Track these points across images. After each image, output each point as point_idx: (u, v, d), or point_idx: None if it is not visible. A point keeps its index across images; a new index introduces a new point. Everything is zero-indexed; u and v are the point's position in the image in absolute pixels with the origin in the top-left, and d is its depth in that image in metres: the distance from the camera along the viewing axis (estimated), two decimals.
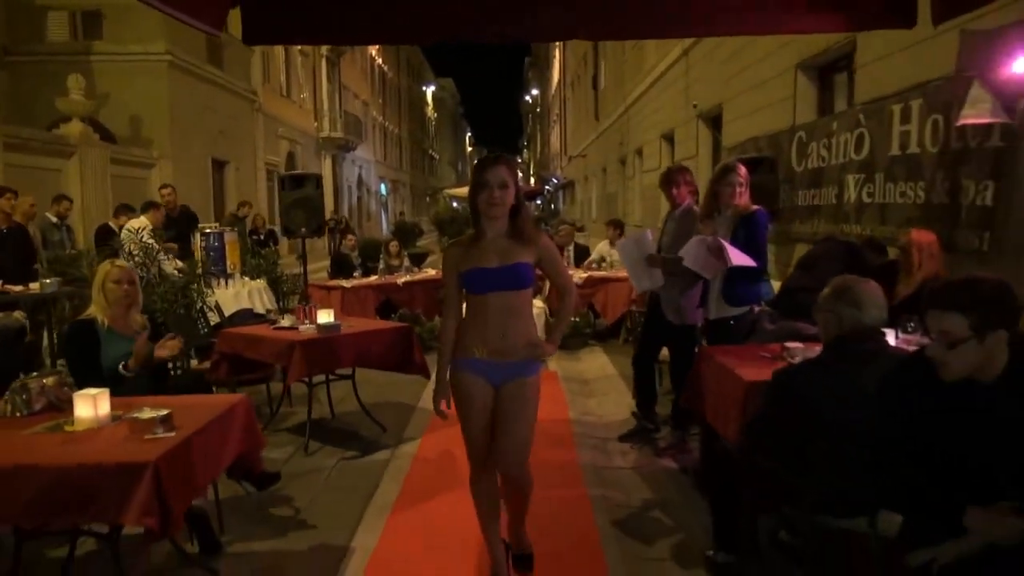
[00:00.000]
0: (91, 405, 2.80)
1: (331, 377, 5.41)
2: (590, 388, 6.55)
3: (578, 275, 8.49)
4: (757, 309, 4.18)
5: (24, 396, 3.01)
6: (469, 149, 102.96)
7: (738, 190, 4.19)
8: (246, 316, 6.38)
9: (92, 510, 2.46)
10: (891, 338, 3.16)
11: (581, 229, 21.12)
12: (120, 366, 3.50)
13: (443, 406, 2.93)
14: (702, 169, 11.06)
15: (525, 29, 4.79)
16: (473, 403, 2.88)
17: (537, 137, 68.85)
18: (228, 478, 3.62)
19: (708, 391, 3.67)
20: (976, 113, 4.18)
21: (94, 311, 3.64)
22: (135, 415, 2.78)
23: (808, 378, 2.46)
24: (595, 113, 24.26)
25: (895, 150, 5.31)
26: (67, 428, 2.80)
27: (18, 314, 5.18)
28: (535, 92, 61.86)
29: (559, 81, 40.49)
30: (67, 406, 3.04)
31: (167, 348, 3.64)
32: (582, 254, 9.65)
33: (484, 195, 2.77)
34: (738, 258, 3.93)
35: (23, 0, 18.17)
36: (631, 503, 3.99)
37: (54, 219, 7.62)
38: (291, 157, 28.15)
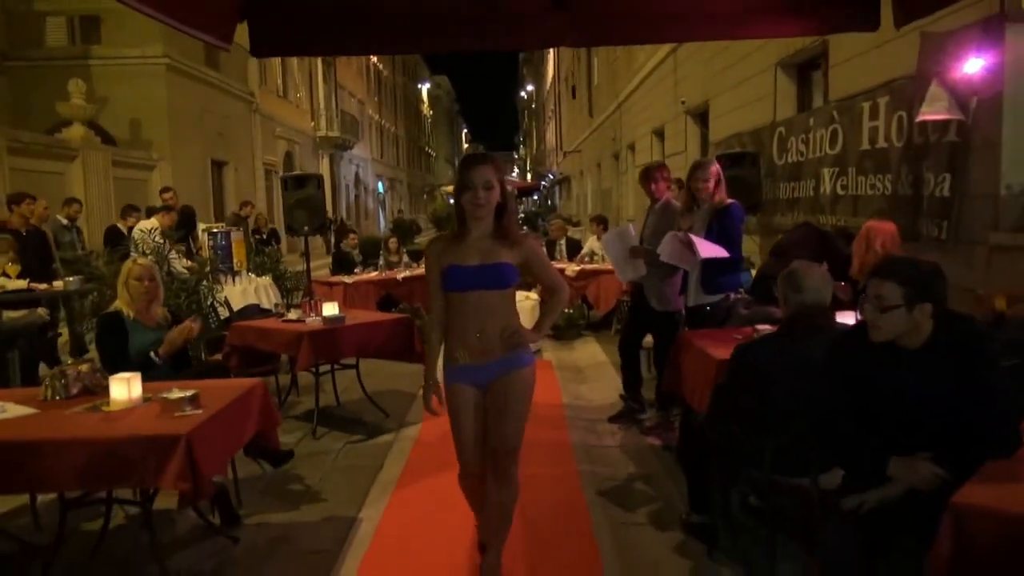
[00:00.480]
0: (125, 387, 3.12)
1: (336, 367, 5.73)
2: (583, 375, 6.87)
3: (571, 268, 8.82)
4: (734, 296, 4.49)
5: (62, 381, 3.33)
6: (465, 146, 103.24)
7: (709, 185, 4.49)
8: (253, 311, 6.71)
9: (133, 478, 2.78)
10: (852, 319, 3.48)
11: (577, 224, 21.42)
12: (152, 353, 3.82)
13: (434, 403, 2.91)
14: (690, 164, 11.37)
15: (515, 38, 5.12)
16: (463, 414, 2.87)
17: (533, 133, 69.14)
18: (246, 456, 3.93)
19: (686, 372, 3.99)
20: (934, 110, 4.51)
21: (120, 304, 3.96)
22: (165, 395, 3.10)
23: (763, 351, 2.79)
24: (589, 109, 24.56)
25: (865, 145, 5.63)
26: (104, 408, 3.12)
27: (41, 310, 5.49)
28: (530, 88, 62.13)
29: (553, 77, 40.78)
30: (100, 390, 3.36)
31: (186, 329, 3.96)
32: (574, 248, 9.98)
33: (468, 195, 2.74)
34: (707, 251, 4.24)
35: (22, 6, 18.43)
36: (617, 476, 4.31)
37: (64, 221, 7.93)
38: (289, 157, 28.44)
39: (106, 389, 3.31)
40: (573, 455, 4.69)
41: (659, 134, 13.71)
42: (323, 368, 5.48)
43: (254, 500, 4.01)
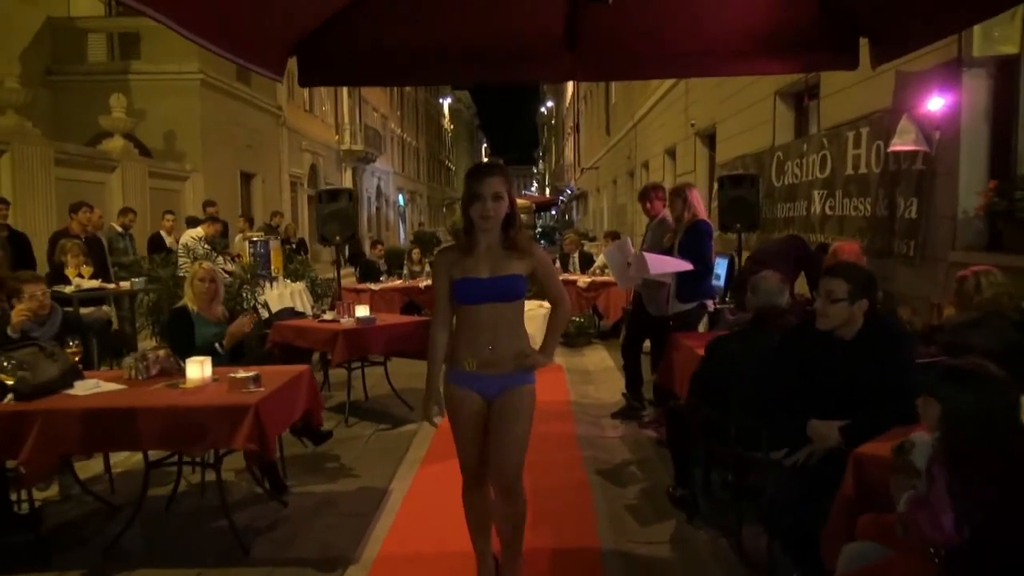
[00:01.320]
0: (199, 368, 3.74)
1: (365, 364, 6.33)
2: (590, 377, 7.44)
3: (582, 280, 9.41)
4: (710, 303, 5.06)
5: (144, 363, 3.95)
6: (485, 160, 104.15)
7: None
8: (288, 314, 7.35)
9: (209, 440, 3.39)
10: None
11: (593, 239, 22.02)
12: (216, 344, 4.44)
13: (434, 415, 2.91)
14: (699, 183, 11.94)
15: (532, 73, 5.73)
16: (464, 418, 2.85)
17: (552, 148, 69.90)
18: (292, 435, 4.54)
19: (675, 368, 4.57)
20: (903, 142, 5.07)
21: (186, 301, 4.60)
22: (232, 375, 3.72)
23: (731, 343, 3.36)
24: (607, 127, 25.18)
25: (849, 170, 6.19)
26: (181, 386, 3.74)
27: (106, 308, 6.14)
28: (550, 104, 62.94)
29: (572, 95, 41.49)
30: (174, 372, 3.99)
31: (245, 323, 4.59)
32: (587, 261, 10.56)
33: (477, 207, 2.71)
34: (657, 267, 4.85)
35: (66, 23, 19.35)
36: (615, 462, 4.88)
37: (119, 229, 8.64)
38: (314, 169, 29.28)
39: (179, 371, 3.95)
40: (577, 444, 5.25)
41: (671, 154, 14.30)
42: (353, 365, 6.10)
43: (298, 474, 4.61)
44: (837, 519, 2.37)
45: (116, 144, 16.31)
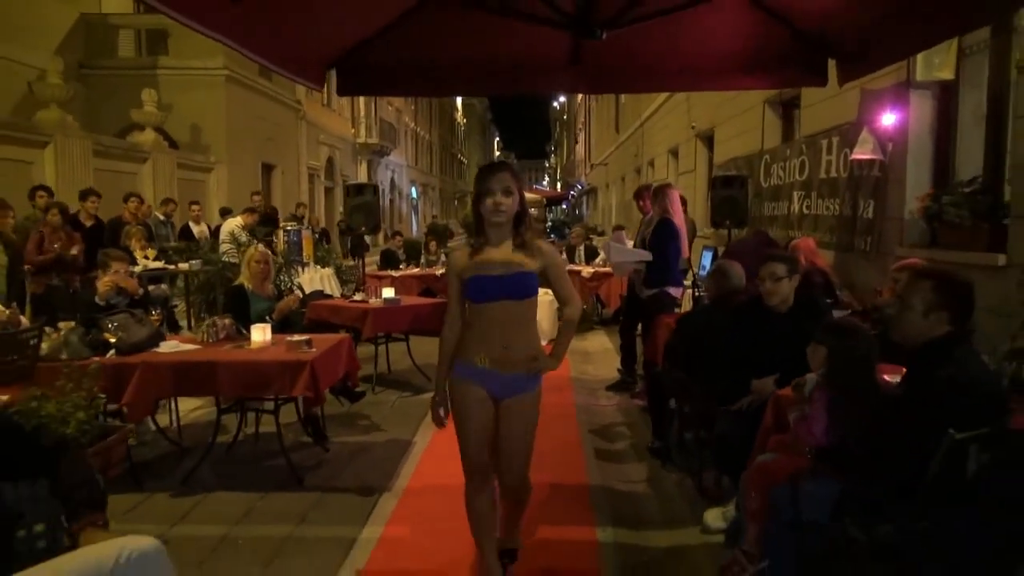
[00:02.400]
0: (262, 333, 4.56)
1: (389, 340, 7.14)
2: (590, 358, 8.23)
3: (586, 270, 10.20)
4: (672, 290, 5.81)
5: (213, 329, 4.77)
6: (497, 153, 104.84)
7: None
8: (319, 295, 8.16)
9: (273, 388, 4.20)
10: None
11: (601, 234, 22.79)
12: (267, 317, 5.26)
13: (441, 414, 2.96)
14: (699, 182, 12.69)
15: (541, 85, 6.49)
16: (471, 414, 2.84)
17: (564, 143, 70.58)
18: (331, 394, 5.35)
19: (659, 344, 5.33)
20: (863, 151, 5.82)
21: (242, 279, 5.41)
22: (289, 339, 4.52)
23: (697, 318, 4.14)
24: (616, 125, 25.89)
25: (823, 174, 6.94)
26: (247, 347, 4.55)
27: (164, 286, 6.96)
28: (562, 99, 63.61)
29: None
30: (236, 337, 4.81)
31: (292, 300, 5.40)
32: (592, 253, 11.34)
33: (488, 201, 2.74)
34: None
35: (97, 19, 20.20)
36: (606, 424, 5.67)
37: (161, 217, 9.49)
38: (330, 162, 30.14)
39: (241, 336, 4.77)
40: (575, 410, 6.05)
41: (674, 153, 15.04)
42: (379, 341, 6.90)
43: (335, 428, 5.43)
44: (760, 444, 3.15)
45: (147, 136, 17.18)
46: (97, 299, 4.87)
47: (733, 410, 3.60)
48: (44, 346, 4.13)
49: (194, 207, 10.92)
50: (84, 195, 8.12)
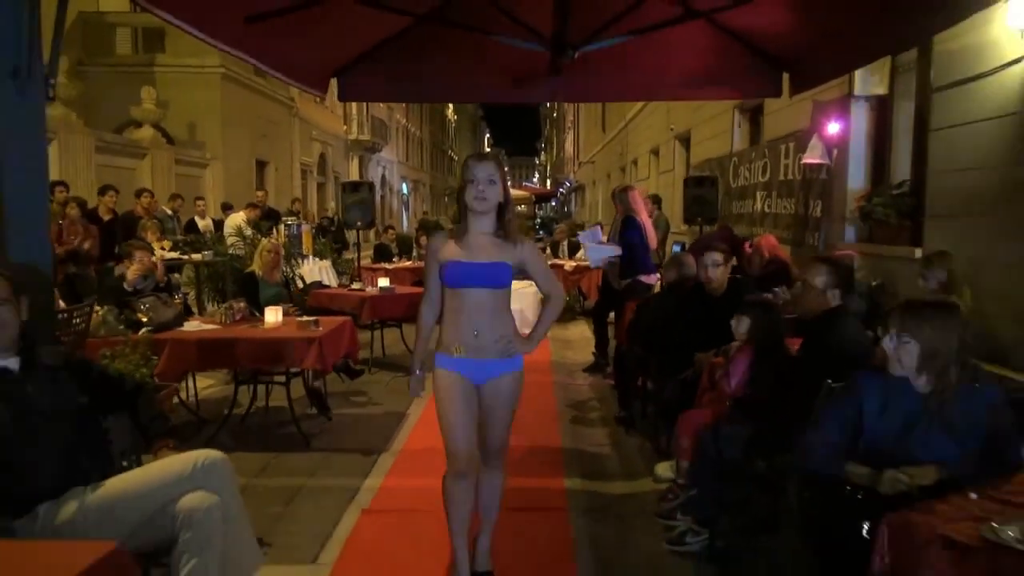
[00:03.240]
0: (275, 314, 5.17)
1: (384, 326, 7.76)
2: (570, 345, 8.88)
3: (568, 264, 10.84)
4: (644, 278, 6.45)
5: (230, 311, 5.38)
6: (487, 150, 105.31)
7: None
8: (319, 285, 8.76)
9: (287, 360, 4.82)
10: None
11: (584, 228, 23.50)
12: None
13: (419, 377, 3.09)
14: (677, 181, 13.34)
15: (525, 93, 7.09)
16: (453, 403, 2.87)
17: (553, 141, 71.21)
18: (333, 371, 5.96)
19: (626, 325, 5.98)
20: (812, 156, 6.49)
21: (254, 267, 6.02)
22: (298, 319, 5.13)
23: (654, 302, 4.79)
24: (602, 125, 26.55)
25: (782, 176, 7.60)
26: (261, 326, 5.17)
27: (177, 275, 7.57)
28: None
29: None
30: (251, 318, 5.41)
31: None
32: (575, 248, 11.98)
33: (471, 189, 2.79)
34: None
35: (95, 18, 20.63)
36: (580, 399, 6.32)
37: (169, 212, 10.06)
38: (323, 158, 30.64)
39: (256, 318, 5.38)
40: (552, 388, 6.70)
41: (655, 153, 15.70)
42: (375, 327, 7.52)
43: (336, 402, 6.04)
44: (697, 403, 3.80)
45: (146, 133, 17.68)
46: (125, 285, 5.46)
47: (679, 379, 4.24)
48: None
49: (199, 203, 11.49)
50: (103, 191, 8.69)
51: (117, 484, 2.32)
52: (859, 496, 2.18)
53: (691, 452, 3.35)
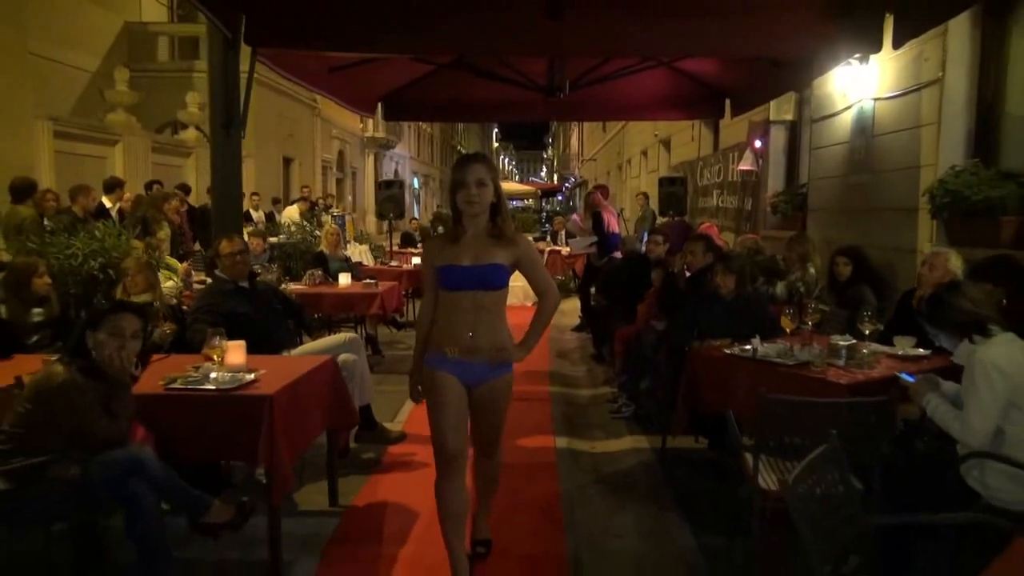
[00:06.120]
0: (346, 278, 7.24)
1: (416, 296, 9.80)
2: (563, 313, 10.86)
3: (564, 250, 12.89)
4: (617, 255, 8.47)
5: (312, 277, 7.45)
6: (495, 145, 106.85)
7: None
8: (360, 264, 10.83)
9: (356, 309, 6.89)
10: None
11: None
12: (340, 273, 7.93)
13: (419, 389, 3.01)
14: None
15: (526, 114, 9.10)
16: (444, 402, 2.87)
17: (560, 136, 73.06)
18: (384, 323, 8.02)
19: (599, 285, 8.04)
20: (745, 163, 8.51)
21: (322, 246, 8.08)
22: (364, 282, 7.19)
23: (614, 269, 6.84)
24: (603, 125, 28.53)
25: (730, 178, 9.62)
26: (336, 287, 7.23)
27: None
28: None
29: None
30: (326, 282, 7.48)
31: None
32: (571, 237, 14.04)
33: (462, 193, 2.78)
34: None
35: (141, 28, 22.68)
36: (567, 348, 8.37)
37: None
38: (341, 155, 32.63)
39: (329, 282, 7.44)
40: (549, 343, 8.74)
41: (645, 155, 17.73)
42: (409, 296, 9.57)
43: (385, 347, 8.10)
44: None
45: (191, 134, 19.76)
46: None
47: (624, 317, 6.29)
48: None
49: (254, 197, 13.49)
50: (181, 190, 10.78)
51: (307, 348, 4.40)
52: (687, 349, 4.20)
53: (622, 352, 5.41)
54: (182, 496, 2.83)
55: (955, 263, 3.97)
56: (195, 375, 3.21)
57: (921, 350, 3.68)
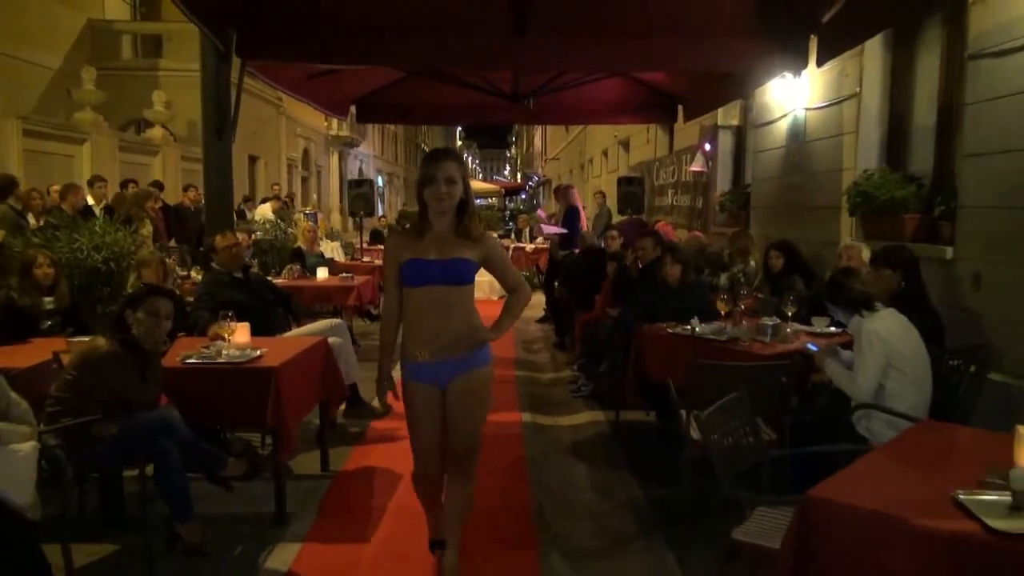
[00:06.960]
0: (324, 273, 7.70)
1: None
2: (528, 308, 11.50)
3: (529, 247, 13.46)
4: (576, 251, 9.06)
5: (291, 272, 7.89)
6: (459, 143, 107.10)
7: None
8: (332, 261, 11.26)
9: (335, 299, 7.36)
10: None
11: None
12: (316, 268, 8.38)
13: (389, 398, 2.93)
14: None
15: (495, 117, 9.63)
16: (422, 413, 2.84)
17: (524, 135, 73.68)
18: (358, 316, 8.49)
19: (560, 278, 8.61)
20: (697, 165, 9.16)
21: (299, 242, 8.52)
22: (340, 276, 7.66)
23: (572, 259, 7.41)
24: (565, 125, 29.16)
25: (683, 178, 10.27)
26: (313, 280, 7.69)
27: None
28: None
29: None
30: (304, 276, 7.93)
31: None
32: (534, 235, 14.62)
33: (431, 189, 2.71)
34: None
35: (104, 25, 22.62)
36: (531, 338, 8.93)
37: (189, 204, 12.41)
38: (306, 153, 32.77)
39: (307, 276, 7.89)
40: (514, 334, 9.28)
41: (605, 155, 18.38)
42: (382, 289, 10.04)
43: (360, 338, 8.57)
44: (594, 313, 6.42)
45: (157, 132, 19.87)
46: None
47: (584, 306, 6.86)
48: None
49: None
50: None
51: (298, 332, 4.88)
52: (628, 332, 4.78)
53: (581, 337, 5.98)
54: (204, 453, 3.31)
55: (866, 255, 4.62)
56: (208, 351, 3.70)
57: (833, 328, 4.31)
